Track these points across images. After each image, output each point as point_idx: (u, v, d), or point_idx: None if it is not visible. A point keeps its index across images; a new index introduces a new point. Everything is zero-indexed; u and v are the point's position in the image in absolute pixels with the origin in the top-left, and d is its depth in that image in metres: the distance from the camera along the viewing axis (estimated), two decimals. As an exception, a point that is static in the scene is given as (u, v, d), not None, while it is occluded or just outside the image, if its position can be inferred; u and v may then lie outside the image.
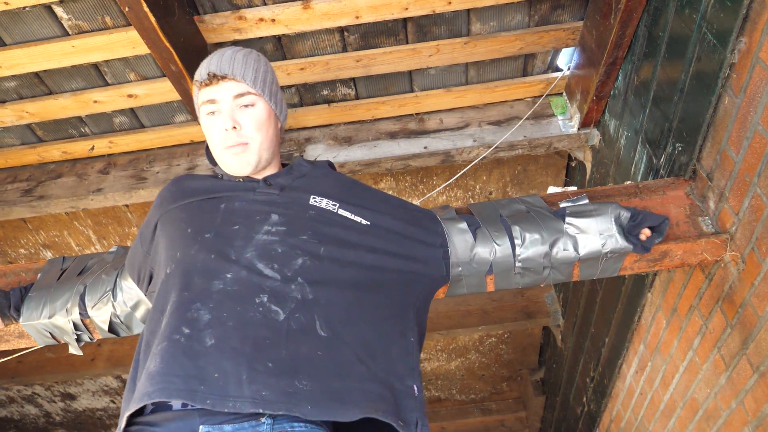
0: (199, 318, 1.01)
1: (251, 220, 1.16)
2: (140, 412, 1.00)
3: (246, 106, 1.23)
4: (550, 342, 3.67)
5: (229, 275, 1.07)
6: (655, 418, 2.13)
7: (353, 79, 2.28)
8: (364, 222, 1.22)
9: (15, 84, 2.17)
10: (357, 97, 2.36)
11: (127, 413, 0.96)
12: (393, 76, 2.29)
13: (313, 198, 1.22)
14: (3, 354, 2.08)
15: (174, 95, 2.19)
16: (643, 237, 1.38)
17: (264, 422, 0.94)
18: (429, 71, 2.28)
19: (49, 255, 2.96)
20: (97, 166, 2.47)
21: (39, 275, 1.59)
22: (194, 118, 2.35)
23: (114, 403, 4.05)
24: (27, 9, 1.89)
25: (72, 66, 2.08)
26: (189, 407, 0.96)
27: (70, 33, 1.98)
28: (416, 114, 2.44)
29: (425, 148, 2.36)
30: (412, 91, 2.36)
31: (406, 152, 2.36)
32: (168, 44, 1.68)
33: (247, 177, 1.28)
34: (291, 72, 2.15)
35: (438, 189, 2.72)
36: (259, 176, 1.29)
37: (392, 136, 2.41)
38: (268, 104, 1.26)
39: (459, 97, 2.38)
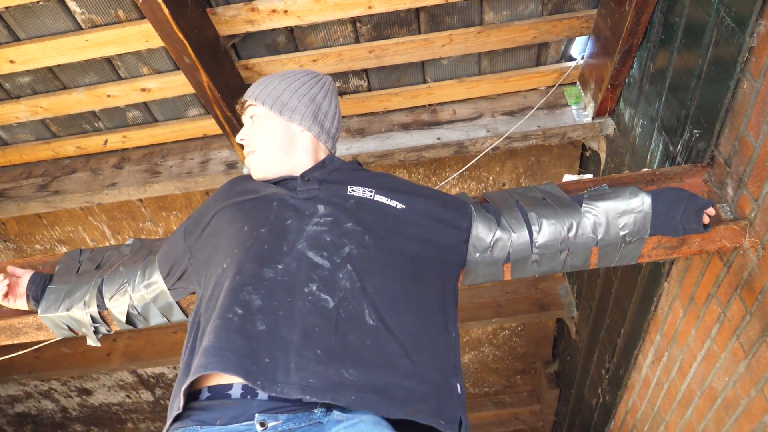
0: (251, 302, 1.05)
1: (301, 214, 1.21)
2: (195, 397, 1.03)
3: (251, 117, 1.41)
4: (564, 334, 3.66)
5: (280, 266, 1.11)
6: (672, 408, 2.12)
7: (365, 71, 2.28)
8: (399, 206, 1.25)
9: (29, 79, 2.18)
10: (369, 89, 2.36)
11: (184, 386, 0.99)
12: (405, 67, 2.28)
13: (350, 188, 1.27)
14: (21, 347, 2.10)
15: (187, 89, 2.20)
16: (706, 220, 1.38)
17: (317, 412, 0.97)
18: (442, 62, 2.28)
19: (64, 250, 2.99)
20: (111, 161, 2.48)
21: (57, 268, 1.60)
22: (207, 112, 2.36)
23: (129, 398, 4.08)
24: (40, 3, 1.90)
25: (85, 60, 2.09)
26: (248, 397, 0.99)
27: (83, 27, 1.99)
28: (429, 105, 2.43)
29: (438, 139, 2.36)
30: (424, 82, 2.36)
31: (419, 143, 2.36)
32: (182, 36, 1.69)
33: (285, 176, 1.34)
34: (303, 64, 2.15)
35: (450, 178, 2.71)
36: (296, 173, 1.35)
37: (405, 127, 2.41)
38: (271, 113, 1.38)
39: (472, 87, 2.37)
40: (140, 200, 2.74)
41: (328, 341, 1.01)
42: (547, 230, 1.38)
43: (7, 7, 1.90)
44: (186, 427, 0.99)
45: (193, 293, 1.43)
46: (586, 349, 3.10)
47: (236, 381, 1.02)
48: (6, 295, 1.53)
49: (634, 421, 2.57)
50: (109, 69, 2.16)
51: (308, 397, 0.94)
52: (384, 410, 0.97)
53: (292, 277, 1.09)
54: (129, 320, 1.50)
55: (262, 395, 0.99)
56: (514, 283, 3.49)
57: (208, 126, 2.40)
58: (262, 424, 0.95)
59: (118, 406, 4.18)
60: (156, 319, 1.51)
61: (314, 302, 1.06)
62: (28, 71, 2.14)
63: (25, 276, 1.55)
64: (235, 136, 2.12)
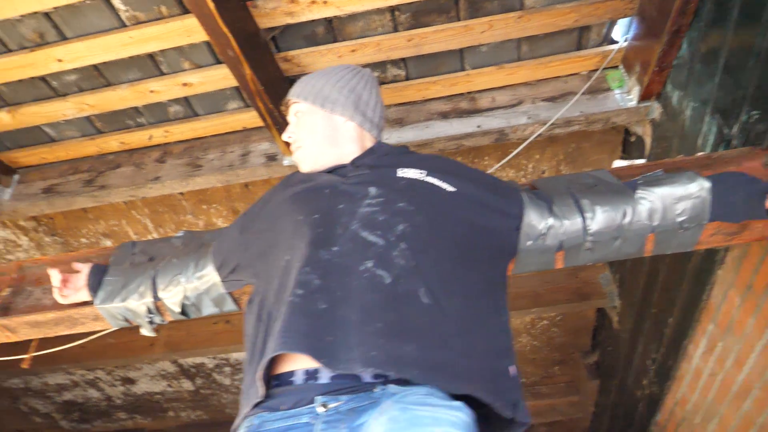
0: (311, 282, 1.06)
1: (353, 198, 1.22)
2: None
3: (295, 114, 1.47)
4: (605, 324, 3.61)
5: (335, 248, 1.12)
6: (727, 400, 2.08)
7: (404, 60, 2.27)
8: (450, 189, 1.25)
9: (75, 77, 2.22)
10: (407, 78, 2.34)
11: (259, 372, 1.01)
12: (444, 55, 2.26)
13: (401, 170, 1.28)
14: (77, 337, 2.15)
15: (227, 82, 2.22)
16: None
17: (377, 390, 0.97)
18: (481, 48, 2.25)
19: (108, 244, 3.05)
20: (154, 155, 2.52)
21: (111, 260, 1.64)
22: (246, 105, 2.38)
23: (171, 387, 4.17)
24: (87, 2, 1.93)
25: (129, 57, 2.12)
26: (309, 381, 1.01)
27: (127, 24, 2.02)
28: (467, 93, 2.41)
29: (479, 127, 2.33)
30: (463, 69, 2.33)
31: (459, 132, 2.34)
32: (226, 30, 1.70)
33: (336, 165, 1.36)
34: (342, 55, 2.15)
35: (495, 168, 2.68)
36: (346, 161, 1.37)
37: (444, 116, 2.39)
38: (314, 107, 1.43)
39: (511, 74, 2.34)
40: (181, 194, 2.77)
41: (387, 317, 1.01)
42: (600, 217, 1.36)
43: (55, 7, 1.93)
44: (254, 414, 1.02)
45: (247, 285, 1.44)
46: (629, 339, 3.05)
47: (299, 367, 1.03)
48: (64, 288, 1.57)
49: (683, 413, 2.52)
50: (151, 65, 2.18)
51: (371, 370, 0.95)
52: (445, 385, 0.97)
53: (348, 257, 1.10)
54: (183, 311, 1.53)
55: (323, 379, 1.01)
56: (553, 272, 3.44)
57: (248, 119, 2.42)
58: (324, 406, 0.96)
59: (160, 395, 4.27)
60: (208, 309, 1.53)
61: (371, 279, 1.06)
62: (74, 69, 2.17)
63: (85, 269, 1.60)
64: (276, 129, 2.15)
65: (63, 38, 2.06)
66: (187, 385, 4.13)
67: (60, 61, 2.11)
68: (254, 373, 1.04)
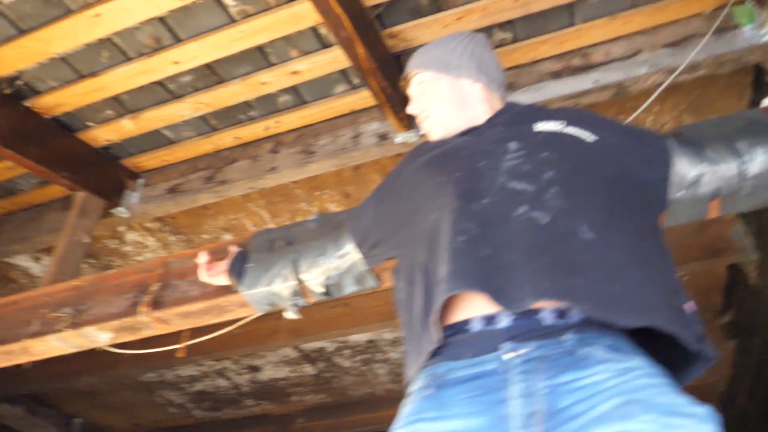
0: (470, 230, 1.06)
1: (493, 155, 1.21)
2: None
3: (419, 84, 1.48)
4: (739, 281, 3.40)
5: (485, 200, 1.11)
6: None
7: (510, 22, 2.21)
8: (591, 138, 1.21)
9: (190, 78, 2.34)
10: (515, 40, 2.28)
11: (433, 316, 1.00)
12: (552, 12, 2.18)
13: (539, 124, 1.25)
14: (220, 326, 2.28)
15: (334, 66, 2.26)
16: None
17: (567, 338, 0.95)
18: (591, 0, 2.15)
19: (228, 238, 3.21)
20: (267, 147, 2.61)
21: (250, 247, 1.72)
22: (353, 88, 2.40)
23: (293, 372, 4.35)
24: (198, 1, 2.02)
25: (240, 51, 2.20)
26: (489, 327, 0.99)
27: (236, 19, 2.09)
28: (579, 49, 2.32)
29: (595, 82, 2.25)
30: (572, 24, 2.24)
31: (574, 90, 2.27)
32: (339, 10, 1.73)
33: (468, 128, 1.36)
34: (448, 24, 2.13)
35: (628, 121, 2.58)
36: (478, 123, 1.36)
37: (556, 75, 2.32)
38: (437, 74, 1.44)
39: (625, 23, 2.22)
40: (294, 182, 2.86)
41: (552, 253, 1.00)
42: (761, 158, 1.27)
43: (170, 11, 2.03)
44: (435, 364, 1.02)
45: (388, 260, 1.47)
46: (771, 294, 2.86)
47: (474, 315, 1.03)
48: (208, 270, 1.69)
49: None
50: (260, 57, 2.25)
51: (547, 301, 0.95)
52: (623, 318, 0.94)
53: (500, 207, 1.09)
54: (326, 291, 1.58)
55: (503, 323, 0.99)
56: (678, 230, 3.27)
57: (355, 101, 2.45)
58: (513, 352, 0.95)
59: (284, 381, 4.47)
60: (349, 288, 1.57)
61: (528, 221, 1.05)
62: (189, 70, 2.28)
63: (230, 254, 1.69)
64: (389, 106, 2.16)
65: (177, 40, 2.17)
66: (308, 369, 4.30)
67: (176, 63, 2.22)
68: (426, 319, 1.03)
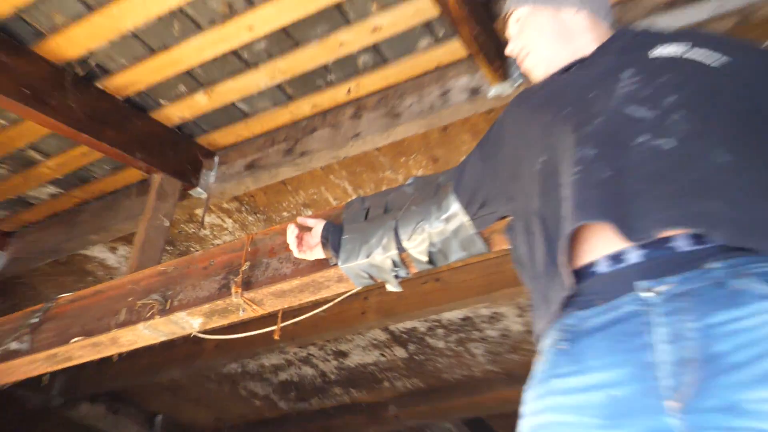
0: (586, 155, 1.04)
1: (605, 83, 1.18)
2: None
3: (517, 21, 1.49)
4: None
5: (598, 120, 1.09)
6: None
7: (615, -51, 2.13)
8: (721, 62, 1.13)
9: (265, 44, 2.39)
10: (620, -29, 2.20)
11: (562, 256, 0.99)
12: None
13: (656, 50, 1.20)
14: (314, 305, 2.35)
15: (418, 18, 2.25)
16: None
17: (716, 266, 0.89)
18: None
19: (309, 213, 3.28)
20: (348, 113, 2.64)
21: (344, 218, 1.75)
22: (437, 40, 2.39)
23: (384, 356, 4.42)
24: (271, -40, 2.06)
25: (317, 11, 2.23)
26: (618, 266, 0.97)
27: (311, -26, 2.12)
28: (696, -26, 2.20)
29: (714, 11, 2.13)
30: (688, -55, 2.14)
31: (689, 21, 2.16)
32: (427, -49, 1.72)
33: (573, 62, 1.34)
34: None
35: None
36: (585, 54, 1.35)
37: (668, 6, 2.21)
38: (536, 8, 1.44)
39: (752, -63, 2.09)
40: (377, 149, 2.88)
41: (681, 179, 0.95)
42: None
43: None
44: (565, 315, 1.01)
45: (498, 220, 1.46)
46: None
47: (597, 256, 1.00)
48: (300, 246, 1.72)
49: None
50: (338, 15, 2.27)
51: (680, 229, 0.91)
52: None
53: (617, 129, 1.06)
54: (430, 259, 1.59)
55: (633, 258, 0.95)
56: None
57: (441, 55, 2.43)
58: (651, 288, 0.91)
59: (374, 366, 4.55)
60: (456, 254, 1.58)
61: (651, 149, 1.00)
62: (264, 36, 2.33)
63: (317, 226, 1.72)
64: (483, 55, 2.13)
65: (251, 4, 2.22)
66: (399, 352, 4.36)
67: (250, 29, 2.28)
68: (551, 266, 1.02)
